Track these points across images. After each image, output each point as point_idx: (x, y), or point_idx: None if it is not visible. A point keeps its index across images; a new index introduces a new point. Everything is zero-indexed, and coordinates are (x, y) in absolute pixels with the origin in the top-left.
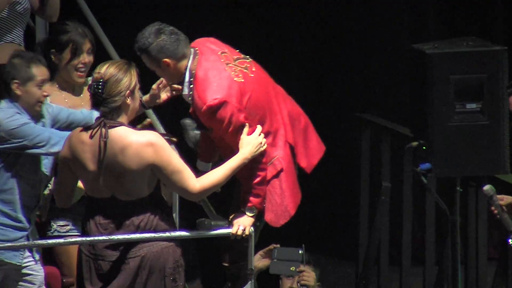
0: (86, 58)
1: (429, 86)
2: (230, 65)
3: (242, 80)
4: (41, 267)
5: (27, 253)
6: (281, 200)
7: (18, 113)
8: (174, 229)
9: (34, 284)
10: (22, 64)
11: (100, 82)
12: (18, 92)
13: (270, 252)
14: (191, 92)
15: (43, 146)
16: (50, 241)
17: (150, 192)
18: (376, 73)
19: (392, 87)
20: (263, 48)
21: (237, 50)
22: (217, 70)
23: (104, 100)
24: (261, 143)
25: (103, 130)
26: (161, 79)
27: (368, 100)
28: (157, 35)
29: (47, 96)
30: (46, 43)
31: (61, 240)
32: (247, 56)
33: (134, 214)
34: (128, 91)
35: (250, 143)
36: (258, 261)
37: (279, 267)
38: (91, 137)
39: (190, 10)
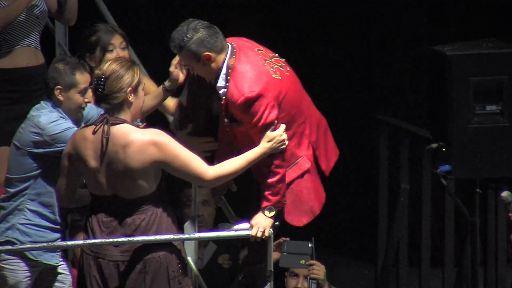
0: (120, 53)
1: (449, 88)
2: (268, 61)
3: (280, 78)
4: (69, 267)
5: (59, 253)
6: (306, 200)
7: (62, 117)
8: (179, 227)
9: (64, 284)
10: (67, 70)
11: (102, 78)
12: (60, 97)
13: (280, 245)
14: (226, 84)
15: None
16: (69, 242)
17: (153, 190)
18: (395, 75)
19: (411, 88)
20: (282, 49)
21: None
22: (256, 65)
23: (105, 97)
24: (283, 140)
25: (106, 127)
26: (176, 58)
27: (388, 102)
28: (195, 30)
29: (88, 102)
30: (80, 49)
31: (80, 242)
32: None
33: (136, 212)
34: (130, 88)
35: (273, 139)
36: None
37: (288, 260)
38: (94, 133)
39: (208, 11)
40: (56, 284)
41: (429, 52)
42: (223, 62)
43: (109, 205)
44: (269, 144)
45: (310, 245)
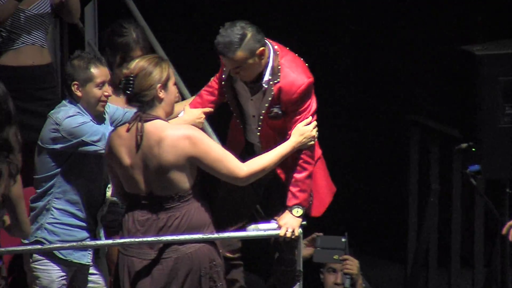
0: None
1: (478, 87)
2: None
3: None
4: (98, 268)
5: (91, 252)
6: (321, 189)
7: (79, 112)
8: (213, 224)
9: (99, 283)
10: (81, 65)
11: (130, 77)
12: (78, 93)
13: (313, 240)
14: (278, 74)
15: (98, 141)
16: (99, 242)
17: (188, 187)
18: (425, 75)
19: (441, 88)
20: (313, 50)
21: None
22: (296, 56)
23: (135, 96)
24: (314, 136)
25: (139, 124)
26: None
27: (418, 102)
28: (245, 29)
29: (108, 96)
30: (104, 41)
31: (110, 241)
32: None
33: (171, 210)
34: (159, 84)
35: (303, 133)
36: (302, 250)
37: (322, 255)
38: (128, 131)
39: (234, 12)
40: (90, 285)
41: (459, 52)
42: (269, 57)
43: (144, 203)
44: (300, 138)
45: (343, 240)
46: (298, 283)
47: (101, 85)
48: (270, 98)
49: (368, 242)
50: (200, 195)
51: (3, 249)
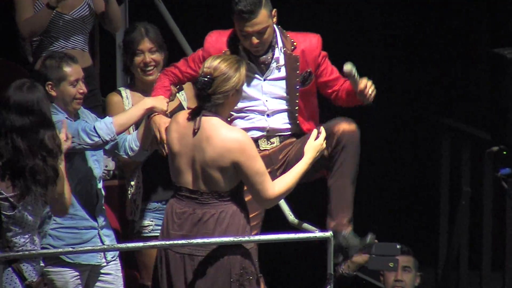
0: (147, 57)
1: (509, 90)
2: None
3: None
4: (120, 268)
5: (108, 253)
6: None
7: (53, 112)
8: (248, 227)
9: (113, 284)
10: (53, 65)
11: (208, 78)
12: (53, 93)
13: (369, 247)
14: (291, 41)
15: (73, 137)
16: (130, 244)
17: (229, 188)
18: (456, 78)
19: (472, 92)
20: (343, 50)
21: None
22: None
23: (208, 96)
24: (322, 144)
25: (198, 118)
26: None
27: (449, 105)
28: None
29: (83, 93)
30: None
31: (140, 244)
32: None
33: (207, 206)
34: (234, 90)
35: (315, 148)
36: (357, 256)
37: (377, 262)
38: (187, 119)
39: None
40: (105, 285)
41: (490, 55)
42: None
43: (184, 195)
44: (314, 153)
45: (398, 247)
46: (329, 286)
47: (75, 83)
48: (298, 63)
49: (400, 244)
50: (241, 201)
51: (12, 253)
